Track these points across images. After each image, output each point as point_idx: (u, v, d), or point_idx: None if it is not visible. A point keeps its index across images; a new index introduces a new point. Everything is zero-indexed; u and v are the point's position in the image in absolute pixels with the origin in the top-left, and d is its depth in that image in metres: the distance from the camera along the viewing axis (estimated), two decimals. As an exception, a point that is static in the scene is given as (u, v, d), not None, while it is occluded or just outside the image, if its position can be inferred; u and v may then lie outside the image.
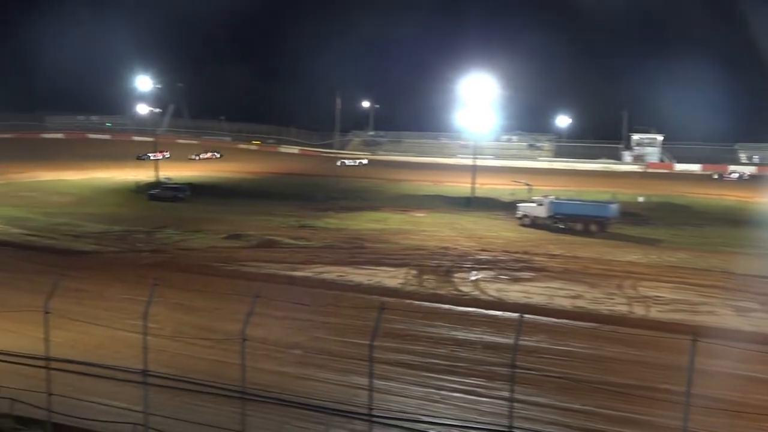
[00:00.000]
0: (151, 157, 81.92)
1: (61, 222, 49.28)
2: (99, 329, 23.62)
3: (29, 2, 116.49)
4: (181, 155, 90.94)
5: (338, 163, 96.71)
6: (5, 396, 14.92)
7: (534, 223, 50.28)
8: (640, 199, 63.96)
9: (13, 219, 49.95)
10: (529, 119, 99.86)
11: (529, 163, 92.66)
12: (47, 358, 14.92)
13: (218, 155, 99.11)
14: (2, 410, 14.74)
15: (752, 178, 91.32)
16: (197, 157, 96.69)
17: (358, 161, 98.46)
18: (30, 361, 15.55)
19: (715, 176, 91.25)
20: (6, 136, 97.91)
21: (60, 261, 34.89)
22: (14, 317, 22.24)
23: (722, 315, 28.19)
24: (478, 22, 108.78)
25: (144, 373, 13.66)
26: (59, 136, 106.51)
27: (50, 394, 14.66)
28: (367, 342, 13.47)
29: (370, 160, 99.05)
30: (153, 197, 62.09)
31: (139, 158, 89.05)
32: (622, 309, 28.89)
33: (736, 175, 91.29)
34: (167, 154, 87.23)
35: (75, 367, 15.39)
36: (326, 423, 13.54)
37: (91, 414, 15.05)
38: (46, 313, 14.71)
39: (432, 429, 16.23)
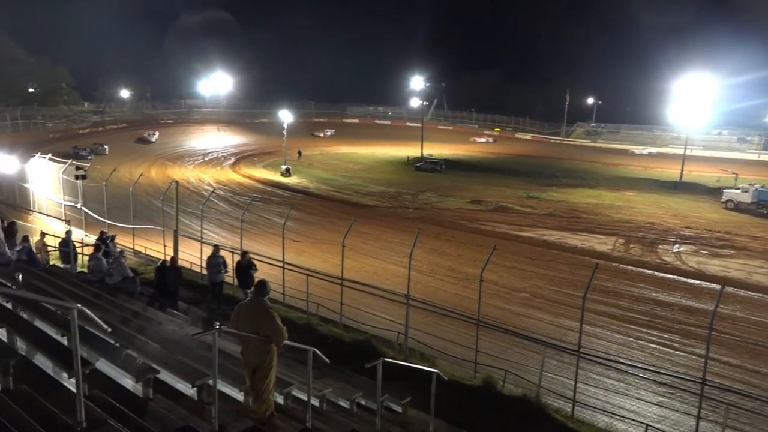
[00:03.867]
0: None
1: (353, 183, 52.86)
2: (376, 261, 25.27)
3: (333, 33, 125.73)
4: (453, 138, 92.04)
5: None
6: (314, 301, 16.47)
7: (737, 207, 43.56)
8: None
9: (322, 179, 54.89)
10: (741, 115, 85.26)
11: (737, 155, 79.35)
12: (341, 278, 16.05)
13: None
14: (311, 311, 16.27)
15: None
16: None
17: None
18: (330, 279, 16.86)
19: None
20: (321, 120, 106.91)
21: (352, 210, 37.40)
22: (321, 248, 24.47)
23: None
24: (695, 23, 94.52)
25: (407, 296, 14.18)
26: (355, 120, 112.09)
27: (342, 303, 15.82)
28: (579, 293, 12.66)
29: (591, 147, 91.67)
30: (418, 168, 63.94)
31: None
32: (824, 291, 23.96)
33: None
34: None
35: (358, 287, 16.31)
36: (541, 353, 13.04)
37: (368, 321, 15.92)
38: (343, 246, 15.66)
39: (630, 370, 14.99)
